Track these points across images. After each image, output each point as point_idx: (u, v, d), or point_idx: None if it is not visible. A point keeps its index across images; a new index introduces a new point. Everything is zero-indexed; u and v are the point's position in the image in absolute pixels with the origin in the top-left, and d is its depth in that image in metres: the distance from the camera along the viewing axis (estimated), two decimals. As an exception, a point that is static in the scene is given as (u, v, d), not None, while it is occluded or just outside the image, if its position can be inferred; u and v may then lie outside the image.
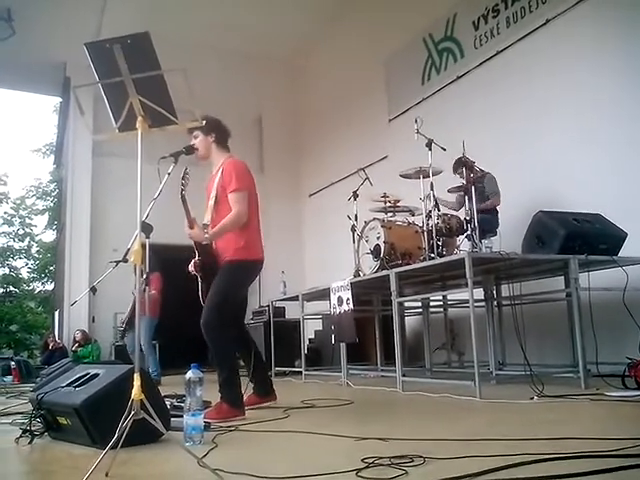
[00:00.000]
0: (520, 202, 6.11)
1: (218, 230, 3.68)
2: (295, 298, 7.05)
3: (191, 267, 3.85)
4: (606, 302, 4.76)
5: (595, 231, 4.81)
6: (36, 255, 24.71)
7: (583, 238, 4.67)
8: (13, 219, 24.01)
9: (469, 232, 4.97)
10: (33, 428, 2.96)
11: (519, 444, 2.28)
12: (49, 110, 26.54)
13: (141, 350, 3.02)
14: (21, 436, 2.94)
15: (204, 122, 3.64)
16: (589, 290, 4.53)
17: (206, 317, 3.62)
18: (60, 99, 13.94)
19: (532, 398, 3.77)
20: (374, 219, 5.88)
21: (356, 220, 6.18)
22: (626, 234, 4.89)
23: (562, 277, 5.15)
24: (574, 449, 2.07)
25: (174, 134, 2.85)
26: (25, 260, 24.67)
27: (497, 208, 5.96)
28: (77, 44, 2.67)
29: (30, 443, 2.87)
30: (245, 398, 3.76)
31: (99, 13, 9.80)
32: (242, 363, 4.02)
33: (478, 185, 5.40)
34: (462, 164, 5.48)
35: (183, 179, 3.48)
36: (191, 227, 3.59)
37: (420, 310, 6.81)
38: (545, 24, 6.57)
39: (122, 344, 9.08)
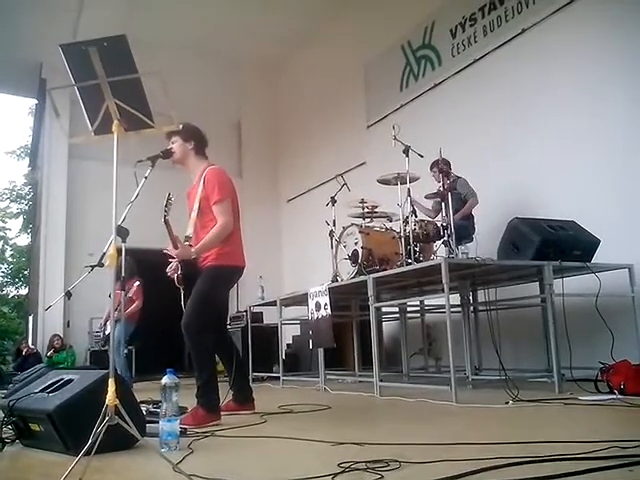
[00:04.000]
0: (496, 209, 6.18)
1: (206, 243, 3.67)
2: (273, 303, 7.03)
3: (170, 272, 3.83)
4: (580, 308, 4.84)
5: (569, 238, 4.88)
6: (10, 259, 24.30)
7: (557, 245, 4.74)
8: (-14, 222, 23.63)
9: (446, 238, 5.03)
10: (4, 435, 2.90)
11: (494, 448, 2.31)
12: (24, 112, 26.15)
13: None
14: (-8, 443, 2.88)
15: (182, 127, 3.65)
16: (563, 296, 4.59)
17: (187, 320, 3.61)
18: (36, 101, 13.76)
19: (507, 402, 3.81)
20: (352, 225, 5.90)
21: (334, 226, 6.19)
22: (599, 241, 4.98)
23: (537, 283, 5.21)
24: (548, 453, 2.11)
25: (152, 137, 2.84)
26: (-2, 264, 24.26)
27: (473, 214, 6.02)
28: (53, 45, 2.64)
29: (1, 451, 2.81)
30: (223, 404, 3.74)
31: (76, 14, 9.69)
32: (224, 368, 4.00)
33: (454, 191, 5.47)
34: (438, 170, 5.53)
35: (167, 205, 3.48)
36: (175, 247, 3.57)
37: (397, 315, 6.85)
38: (521, 33, 6.67)
39: (98, 349, 9.00)
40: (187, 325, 3.60)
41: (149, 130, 2.62)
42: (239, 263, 3.88)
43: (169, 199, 3.50)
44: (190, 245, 3.67)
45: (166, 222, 3.46)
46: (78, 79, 2.52)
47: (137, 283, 6.96)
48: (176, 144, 3.87)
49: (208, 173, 3.81)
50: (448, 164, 5.79)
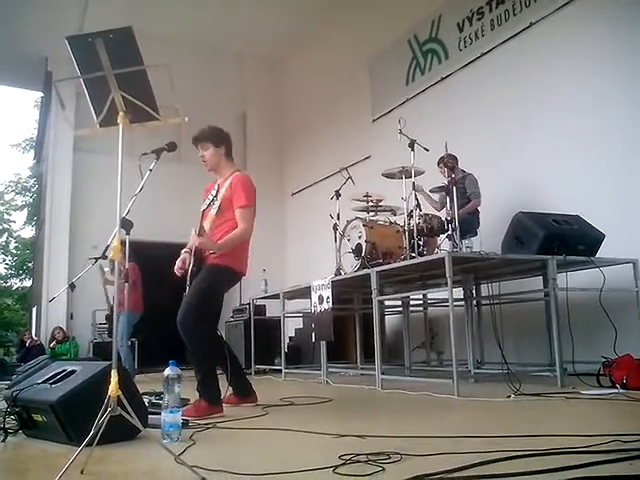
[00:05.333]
0: (501, 203, 6.17)
1: (225, 243, 3.68)
2: (276, 296, 7.04)
3: (179, 269, 3.84)
4: (583, 302, 4.83)
5: (573, 232, 4.87)
6: (14, 251, 24.42)
7: (561, 239, 4.72)
8: (-9, 214, 23.74)
9: (450, 232, 5.02)
10: (7, 426, 2.91)
11: (495, 441, 2.31)
12: (30, 105, 26.26)
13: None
14: (-5, 434, 2.90)
15: (211, 131, 3.86)
16: (567, 290, 4.59)
17: (182, 315, 3.62)
18: (41, 94, 13.79)
19: (509, 396, 3.80)
20: (356, 218, 5.90)
21: (338, 219, 6.19)
22: (604, 235, 4.96)
23: (540, 277, 5.21)
24: (549, 446, 2.10)
25: (157, 130, 2.83)
26: (3, 256, 24.38)
27: (478, 208, 6.01)
28: (59, 38, 2.65)
29: (4, 441, 2.82)
30: (225, 397, 3.75)
31: (82, 7, 9.70)
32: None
33: (459, 186, 5.46)
34: (444, 164, 5.54)
35: (215, 197, 3.79)
36: (199, 235, 3.58)
37: (400, 309, 6.84)
38: (529, 27, 6.63)
39: (101, 341, 9.05)
40: (183, 321, 3.61)
41: (154, 122, 2.62)
42: (240, 269, 3.87)
43: (217, 193, 3.79)
44: None
45: (203, 213, 3.61)
46: (84, 71, 2.52)
47: (129, 265, 6.90)
48: (208, 152, 3.89)
49: (237, 177, 3.85)
50: (455, 159, 5.78)
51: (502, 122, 6.83)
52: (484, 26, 7.29)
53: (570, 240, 4.77)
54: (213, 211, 3.80)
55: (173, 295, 3.88)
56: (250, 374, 6.96)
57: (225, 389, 3.78)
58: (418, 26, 8.45)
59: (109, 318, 7.56)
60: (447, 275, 4.21)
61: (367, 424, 3.12)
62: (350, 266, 5.73)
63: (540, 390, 3.96)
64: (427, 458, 2.07)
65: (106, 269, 6.91)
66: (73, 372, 2.86)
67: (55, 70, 10.25)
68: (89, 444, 2.12)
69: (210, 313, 3.80)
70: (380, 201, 6.20)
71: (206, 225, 3.76)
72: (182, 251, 3.89)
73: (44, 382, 2.88)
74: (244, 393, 3.97)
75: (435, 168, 5.94)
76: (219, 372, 3.75)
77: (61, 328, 9.26)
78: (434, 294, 6.30)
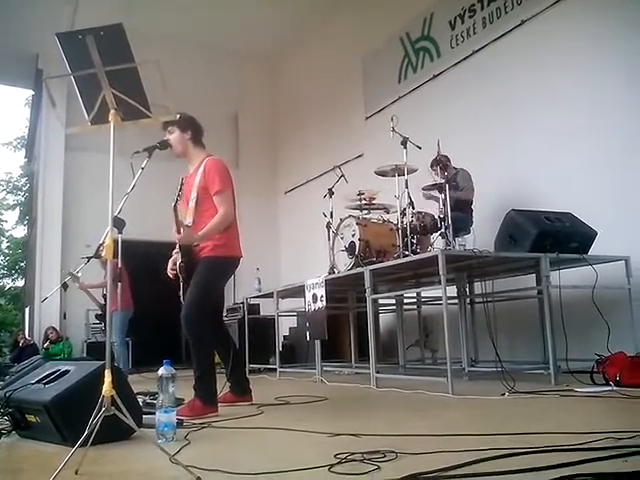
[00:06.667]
0: (494, 201, 6.17)
1: (207, 232, 3.65)
2: (270, 295, 7.03)
3: (170, 271, 3.83)
4: (576, 300, 4.84)
5: (566, 230, 4.88)
6: (6, 251, 24.27)
7: (554, 237, 4.73)
8: (-18, 214, 23.58)
9: (443, 230, 5.03)
10: (0, 426, 2.90)
11: (490, 439, 2.32)
12: (20, 103, 26.10)
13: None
14: (-12, 435, 2.88)
15: (179, 117, 3.63)
16: (559, 288, 4.60)
17: (185, 312, 3.62)
18: (32, 92, 13.70)
19: (503, 394, 3.82)
20: (349, 216, 5.89)
21: (331, 217, 6.19)
22: (596, 233, 4.98)
23: (534, 275, 5.22)
24: (543, 443, 2.11)
25: (149, 129, 2.82)
26: (-5, 256, 24.25)
27: (472, 207, 6.01)
28: (50, 35, 2.62)
29: (-3, 442, 2.81)
30: (221, 395, 3.75)
31: (73, 5, 9.63)
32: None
33: (452, 183, 5.47)
34: (437, 163, 5.55)
35: (180, 190, 3.56)
36: (179, 232, 3.55)
37: (394, 307, 6.85)
38: (520, 25, 6.64)
39: (95, 341, 9.02)
40: (186, 316, 3.61)
41: (146, 120, 2.60)
42: (235, 254, 3.86)
43: (182, 184, 3.59)
44: None
45: (175, 208, 3.49)
46: (75, 68, 2.50)
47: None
48: (173, 135, 3.85)
49: (208, 163, 3.80)
50: (446, 158, 5.78)
51: (496, 119, 6.84)
52: (476, 24, 7.30)
53: (563, 237, 4.78)
54: (192, 203, 3.76)
55: (166, 295, 3.86)
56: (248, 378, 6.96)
57: (222, 388, 3.77)
58: (410, 24, 8.45)
59: (100, 317, 7.55)
60: (440, 273, 4.21)
61: (362, 422, 3.12)
62: (344, 264, 5.73)
63: (534, 388, 3.97)
64: (422, 456, 2.07)
65: (79, 274, 6.90)
66: (67, 372, 2.85)
67: (46, 68, 10.17)
68: (83, 444, 2.11)
69: (212, 306, 3.82)
70: (373, 199, 6.19)
71: (189, 218, 3.73)
72: (173, 252, 3.88)
73: (37, 382, 2.87)
74: (241, 392, 3.96)
75: (428, 166, 5.94)
76: (218, 371, 3.75)
77: (54, 328, 9.19)
78: (428, 292, 6.30)
